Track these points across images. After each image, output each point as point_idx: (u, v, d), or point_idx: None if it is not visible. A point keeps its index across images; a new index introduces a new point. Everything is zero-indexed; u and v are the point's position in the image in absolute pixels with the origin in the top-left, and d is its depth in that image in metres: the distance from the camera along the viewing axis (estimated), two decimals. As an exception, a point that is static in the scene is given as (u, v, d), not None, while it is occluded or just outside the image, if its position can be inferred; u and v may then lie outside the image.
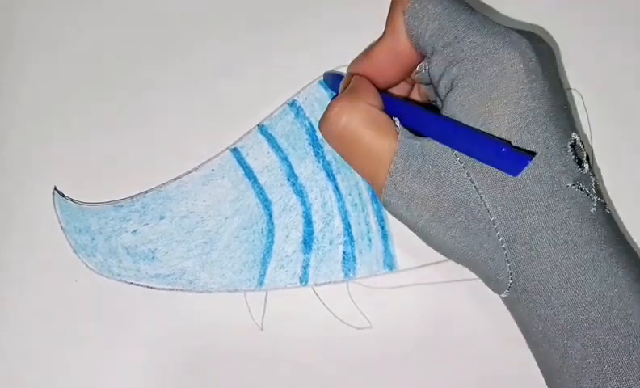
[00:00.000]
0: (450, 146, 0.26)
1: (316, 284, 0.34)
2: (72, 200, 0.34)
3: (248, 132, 0.35)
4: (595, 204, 0.25)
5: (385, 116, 0.27)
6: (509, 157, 0.23)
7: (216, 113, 0.35)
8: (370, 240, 0.34)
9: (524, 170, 0.23)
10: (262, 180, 0.34)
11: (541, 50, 0.26)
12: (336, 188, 0.34)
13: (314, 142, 0.35)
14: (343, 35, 0.35)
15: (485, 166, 0.25)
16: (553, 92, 0.25)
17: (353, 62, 0.31)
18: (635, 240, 0.34)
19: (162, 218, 0.34)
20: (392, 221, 0.34)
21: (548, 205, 0.25)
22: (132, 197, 0.34)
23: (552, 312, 0.25)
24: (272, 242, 0.34)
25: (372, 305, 0.34)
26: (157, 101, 0.36)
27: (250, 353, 0.33)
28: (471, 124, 0.25)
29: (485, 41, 0.25)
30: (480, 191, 0.25)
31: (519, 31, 0.26)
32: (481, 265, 0.27)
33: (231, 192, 0.34)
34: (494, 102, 0.25)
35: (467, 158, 0.25)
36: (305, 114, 0.35)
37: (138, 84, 0.36)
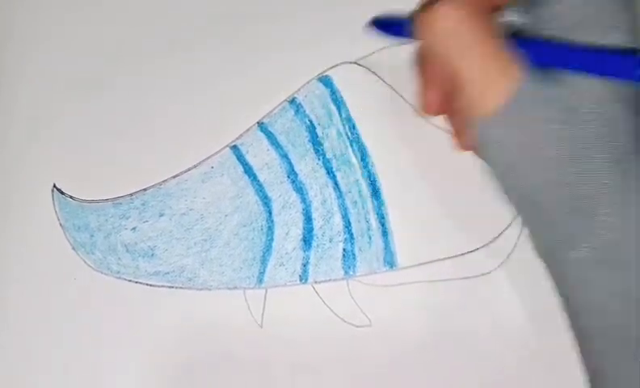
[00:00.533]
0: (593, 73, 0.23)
1: (316, 282, 0.34)
2: (71, 197, 0.34)
3: (248, 130, 0.35)
4: None
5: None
6: None
7: (216, 110, 0.35)
8: (370, 237, 0.34)
9: None
10: (261, 178, 0.34)
11: None
12: (336, 185, 0.34)
13: (314, 140, 0.35)
14: (344, 33, 0.35)
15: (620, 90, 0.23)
16: None
17: None
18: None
19: (161, 215, 0.34)
20: (392, 219, 0.34)
21: None
22: (131, 194, 0.34)
23: (630, 277, 0.23)
24: (272, 239, 0.34)
25: (372, 303, 0.34)
26: (157, 98, 0.35)
27: (250, 351, 0.33)
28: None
29: None
30: (624, 124, 0.23)
31: None
32: (573, 213, 0.24)
33: (231, 190, 0.34)
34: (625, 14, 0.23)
35: (614, 89, 0.23)
36: (304, 111, 0.35)
37: (138, 82, 0.36)
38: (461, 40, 0.24)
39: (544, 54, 0.24)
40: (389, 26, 0.31)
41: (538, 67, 0.24)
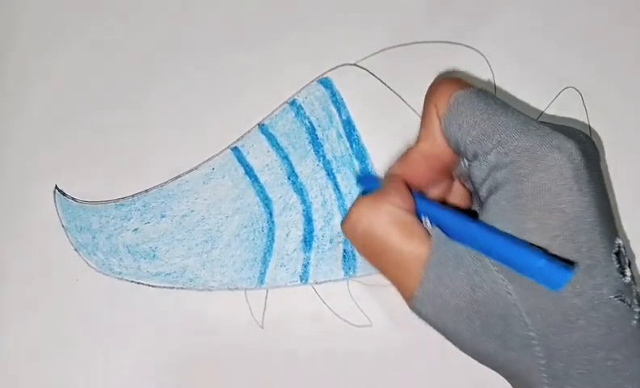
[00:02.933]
0: (486, 255, 0.24)
1: (316, 283, 0.34)
2: (73, 198, 0.35)
3: (248, 131, 0.35)
4: (636, 317, 0.23)
5: (412, 218, 0.26)
6: (549, 270, 0.21)
7: (217, 112, 0.35)
8: (370, 238, 0.34)
9: (565, 284, 0.22)
10: (262, 179, 0.35)
11: (587, 152, 0.24)
12: (336, 187, 0.34)
13: (314, 141, 0.35)
14: (344, 34, 0.35)
15: (524, 277, 0.23)
16: (598, 197, 0.24)
17: (390, 168, 0.30)
18: (636, 239, 0.34)
19: (162, 217, 0.34)
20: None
21: (588, 320, 0.23)
22: (133, 196, 0.34)
23: None
24: (273, 240, 0.34)
25: (373, 304, 0.34)
26: (159, 100, 0.36)
27: (251, 351, 0.34)
28: (512, 231, 0.23)
29: (532, 145, 0.23)
30: (518, 304, 0.23)
31: (565, 132, 0.24)
32: (516, 380, 0.25)
33: (232, 191, 0.35)
34: (540, 210, 0.23)
35: (504, 268, 0.23)
36: (305, 113, 0.35)
37: (140, 83, 0.36)
38: (372, 243, 0.26)
39: (454, 232, 0.25)
40: (367, 182, 0.34)
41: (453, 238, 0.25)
